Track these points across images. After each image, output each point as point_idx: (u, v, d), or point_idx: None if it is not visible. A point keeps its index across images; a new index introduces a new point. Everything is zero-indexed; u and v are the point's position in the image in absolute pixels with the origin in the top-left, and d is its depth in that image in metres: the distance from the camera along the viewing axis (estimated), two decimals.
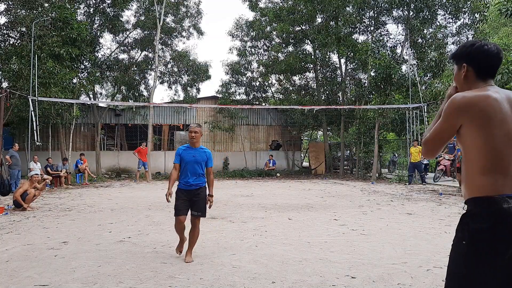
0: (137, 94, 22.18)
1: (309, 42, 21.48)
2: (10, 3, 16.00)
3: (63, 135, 18.17)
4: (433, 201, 10.14)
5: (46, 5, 16.10)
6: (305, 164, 25.97)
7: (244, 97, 23.94)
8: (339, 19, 19.19)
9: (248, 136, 23.14)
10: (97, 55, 19.26)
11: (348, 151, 23.12)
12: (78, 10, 17.88)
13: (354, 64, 20.50)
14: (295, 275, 4.08)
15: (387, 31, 19.68)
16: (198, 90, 23.32)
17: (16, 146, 13.46)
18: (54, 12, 15.30)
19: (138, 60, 22.13)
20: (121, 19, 20.17)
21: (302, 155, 25.48)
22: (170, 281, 3.93)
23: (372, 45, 17.85)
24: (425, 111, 15.28)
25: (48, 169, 14.80)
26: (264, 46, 24.10)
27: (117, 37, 21.70)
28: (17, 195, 8.78)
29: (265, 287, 3.77)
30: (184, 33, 23.14)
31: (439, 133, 1.90)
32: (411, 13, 17.99)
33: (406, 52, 18.34)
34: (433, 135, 1.91)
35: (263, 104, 24.56)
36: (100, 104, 21.32)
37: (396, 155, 23.80)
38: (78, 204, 9.93)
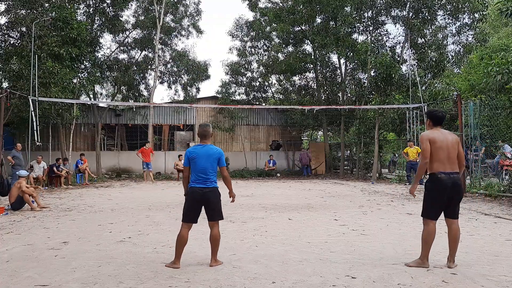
0: (137, 94, 22.21)
1: (309, 42, 21.49)
2: (10, 3, 16.00)
3: (63, 135, 18.17)
4: None
5: (46, 5, 16.11)
6: None
7: (244, 97, 23.95)
8: (338, 19, 19.20)
9: (248, 136, 23.15)
10: (97, 55, 19.27)
11: (348, 151, 23.12)
12: (78, 10, 17.88)
13: (353, 64, 20.50)
14: (295, 275, 4.08)
15: (386, 31, 19.71)
16: (198, 89, 23.37)
17: (18, 146, 13.47)
18: (54, 12, 15.29)
19: (138, 60, 22.14)
20: (120, 19, 20.17)
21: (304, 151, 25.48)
22: (170, 281, 3.93)
23: (372, 45, 17.85)
24: (425, 111, 15.28)
25: (54, 168, 14.77)
26: (264, 46, 24.11)
27: (117, 37, 21.72)
28: (12, 200, 8.83)
29: (265, 287, 3.77)
30: (183, 32, 23.18)
31: (424, 149, 4.34)
32: (411, 13, 18.00)
33: (406, 52, 18.34)
34: (423, 151, 4.38)
35: (263, 104, 24.57)
36: (100, 104, 21.33)
37: (396, 155, 23.80)
38: (78, 204, 9.94)
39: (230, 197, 4.76)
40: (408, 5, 17.81)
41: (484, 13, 17.33)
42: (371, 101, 18.97)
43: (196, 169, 4.46)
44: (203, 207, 4.51)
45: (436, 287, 3.73)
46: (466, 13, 17.85)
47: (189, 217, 4.47)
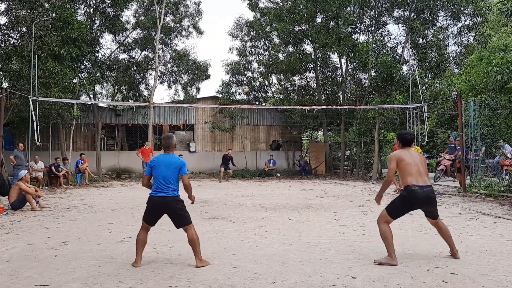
0: (137, 94, 22.21)
1: (309, 42, 21.48)
2: (11, 3, 16.00)
3: (64, 135, 18.17)
4: None
5: (46, 5, 16.10)
6: None
7: (244, 97, 23.95)
8: (340, 19, 19.20)
9: (249, 136, 23.14)
10: (97, 55, 19.27)
11: (349, 151, 23.10)
12: (78, 10, 17.88)
13: (354, 64, 20.48)
14: (295, 275, 4.08)
15: (388, 31, 19.69)
16: (198, 89, 23.38)
17: (21, 146, 13.49)
18: (54, 12, 15.29)
19: (138, 60, 22.14)
20: (121, 19, 20.17)
21: (302, 155, 25.50)
22: (170, 281, 3.93)
23: (373, 45, 17.84)
24: (425, 111, 15.29)
25: (53, 168, 14.79)
26: (264, 46, 24.11)
27: (117, 37, 21.72)
28: (11, 200, 8.81)
29: (265, 287, 3.77)
30: (183, 32, 23.19)
31: (390, 169, 4.67)
32: (412, 14, 17.99)
33: (407, 53, 18.33)
34: (388, 171, 4.71)
35: (263, 104, 24.56)
36: (101, 104, 21.33)
37: None
38: (78, 204, 9.94)
39: (189, 199, 4.81)
40: (408, 5, 17.79)
41: (486, 15, 17.28)
42: (372, 101, 18.95)
43: (157, 177, 4.56)
44: (165, 214, 4.65)
45: (436, 287, 3.73)
46: (468, 15, 17.81)
47: (147, 220, 4.68)
